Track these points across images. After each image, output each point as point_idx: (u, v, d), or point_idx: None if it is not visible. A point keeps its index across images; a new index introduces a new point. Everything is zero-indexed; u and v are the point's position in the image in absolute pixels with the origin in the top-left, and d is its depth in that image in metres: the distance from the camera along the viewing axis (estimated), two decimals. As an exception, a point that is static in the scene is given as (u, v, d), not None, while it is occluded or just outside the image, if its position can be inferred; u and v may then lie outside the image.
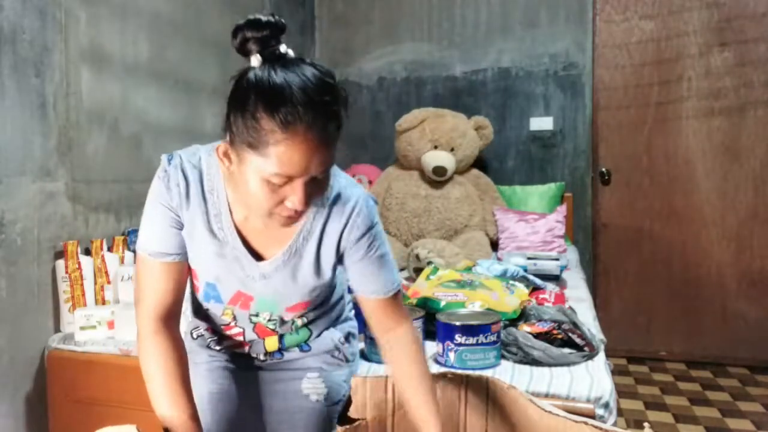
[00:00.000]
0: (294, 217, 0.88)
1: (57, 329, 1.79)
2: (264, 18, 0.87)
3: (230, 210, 0.97)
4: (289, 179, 0.82)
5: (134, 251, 2.00)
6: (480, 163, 3.19)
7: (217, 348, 1.16)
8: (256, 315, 1.08)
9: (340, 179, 1.01)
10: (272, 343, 1.13)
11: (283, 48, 0.85)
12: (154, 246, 0.96)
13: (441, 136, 2.88)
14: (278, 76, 0.80)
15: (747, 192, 3.02)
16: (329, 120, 0.81)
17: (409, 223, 2.84)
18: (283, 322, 1.10)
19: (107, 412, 1.60)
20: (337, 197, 0.99)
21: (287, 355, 1.16)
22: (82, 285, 1.78)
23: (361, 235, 1.00)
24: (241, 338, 1.12)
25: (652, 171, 3.16)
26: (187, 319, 1.21)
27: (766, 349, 3.00)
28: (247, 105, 0.80)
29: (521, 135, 3.34)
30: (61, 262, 1.77)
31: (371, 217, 1.01)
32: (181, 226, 0.97)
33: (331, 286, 1.12)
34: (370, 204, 1.02)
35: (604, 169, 3.22)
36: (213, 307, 1.08)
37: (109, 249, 1.93)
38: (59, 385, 1.67)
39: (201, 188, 0.96)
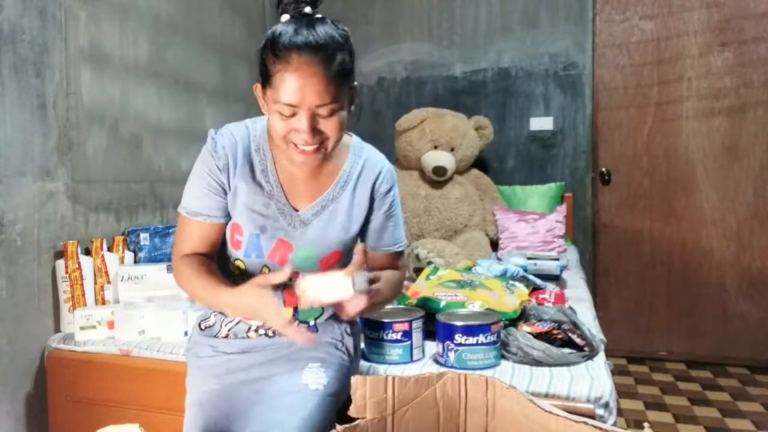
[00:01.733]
0: (310, 154, 1.02)
1: (57, 329, 1.79)
2: None
3: (275, 166, 1.12)
4: (294, 111, 0.97)
5: (134, 251, 2.02)
6: (480, 163, 3.19)
7: (225, 333, 1.18)
8: (290, 279, 1.11)
9: (370, 147, 1.22)
10: (287, 312, 1.15)
11: (308, 9, 1.01)
12: (192, 206, 1.11)
13: (441, 136, 2.88)
14: (289, 26, 0.98)
15: (747, 192, 3.02)
16: (325, 58, 0.95)
17: (409, 223, 2.84)
18: None
19: (107, 412, 1.60)
20: (368, 157, 1.19)
21: (298, 325, 1.17)
22: (82, 285, 1.78)
23: (388, 189, 1.19)
24: None
25: (652, 171, 3.16)
26: (194, 315, 1.24)
27: (766, 349, 3.00)
28: (264, 48, 0.99)
29: (521, 135, 3.34)
30: (61, 262, 1.77)
31: (394, 178, 1.21)
32: (221, 192, 1.10)
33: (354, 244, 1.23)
34: (393, 169, 1.22)
35: (604, 169, 3.22)
36: (252, 265, 1.15)
37: (109, 249, 1.93)
38: (59, 385, 1.67)
39: (248, 149, 1.11)
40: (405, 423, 1.10)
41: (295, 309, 1.16)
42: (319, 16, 1.01)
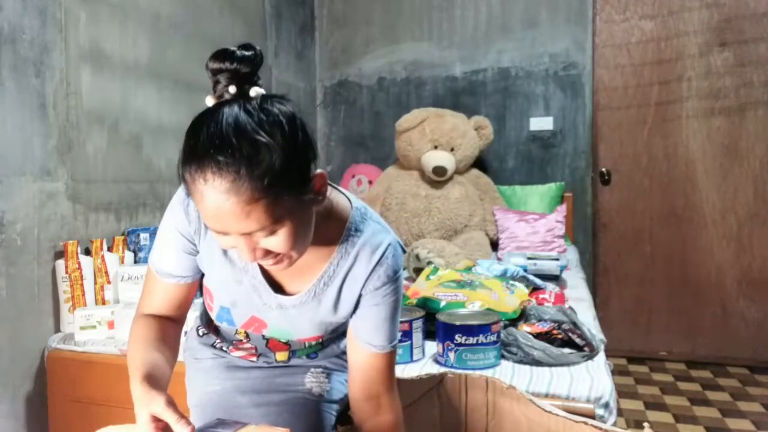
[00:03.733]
0: (272, 265, 0.84)
1: (57, 329, 1.79)
2: (231, 50, 0.77)
3: None
4: (226, 232, 0.76)
5: (134, 251, 2.02)
6: (480, 163, 3.19)
7: (224, 350, 1.16)
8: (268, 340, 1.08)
9: (371, 224, 0.96)
10: (283, 355, 1.13)
11: (232, 89, 0.76)
12: (161, 265, 0.97)
13: (441, 136, 2.88)
14: (198, 121, 0.75)
15: (747, 192, 3.02)
16: (246, 183, 0.70)
17: (409, 223, 2.84)
18: (296, 342, 1.10)
19: (107, 412, 1.60)
20: (364, 246, 0.93)
21: (293, 361, 1.16)
22: (82, 285, 1.78)
23: (382, 284, 0.95)
24: (253, 350, 1.12)
25: (652, 171, 3.16)
26: (193, 315, 1.21)
27: (766, 349, 3.00)
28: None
29: (521, 135, 3.34)
30: (61, 262, 1.77)
31: (396, 267, 0.95)
32: (194, 251, 0.96)
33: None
34: (397, 252, 0.96)
35: (604, 169, 3.22)
36: (226, 328, 1.08)
37: (109, 249, 1.93)
38: (59, 385, 1.67)
39: None
40: (405, 423, 1.10)
41: (293, 353, 1.13)
42: (252, 96, 0.76)
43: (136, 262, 2.00)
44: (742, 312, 3.04)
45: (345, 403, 1.16)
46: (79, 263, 1.77)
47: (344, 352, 1.18)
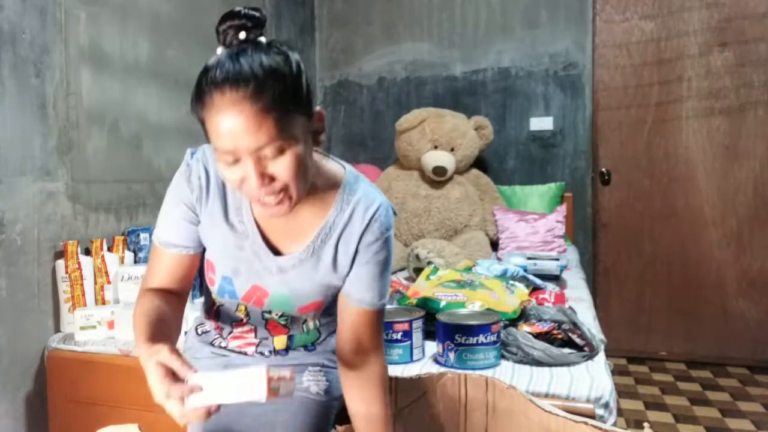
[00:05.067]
0: (271, 205, 0.87)
1: (57, 329, 1.79)
2: (237, 9, 0.86)
3: (250, 204, 0.99)
4: (235, 158, 0.82)
5: (134, 251, 2.02)
6: (480, 163, 3.19)
7: (222, 346, 1.17)
8: (269, 312, 1.08)
9: (364, 185, 1.02)
10: (281, 341, 1.13)
11: (242, 35, 0.84)
12: (165, 236, 1.01)
13: (441, 136, 2.88)
14: (213, 63, 0.83)
15: (747, 192, 3.02)
16: (252, 90, 0.79)
17: (409, 223, 2.84)
18: (294, 320, 1.11)
19: (107, 412, 1.60)
20: (358, 203, 0.99)
21: (291, 354, 1.16)
22: (82, 285, 1.78)
23: (375, 239, 0.99)
24: (251, 335, 1.12)
25: (652, 171, 3.16)
26: (193, 315, 1.21)
27: (766, 349, 3.00)
28: (193, 94, 0.85)
29: (521, 135, 3.34)
30: (61, 262, 1.77)
31: (387, 225, 1.01)
32: (196, 221, 1.00)
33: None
34: (389, 212, 1.02)
35: (604, 169, 3.22)
36: (227, 303, 1.09)
37: (109, 249, 1.93)
38: (59, 385, 1.67)
39: (220, 182, 0.99)
40: (405, 422, 1.10)
41: (291, 337, 1.13)
42: (259, 40, 0.85)
43: (136, 262, 2.00)
44: (742, 312, 3.04)
45: (343, 402, 1.17)
46: (79, 263, 1.77)
47: None
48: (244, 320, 1.11)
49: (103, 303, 1.83)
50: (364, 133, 3.61)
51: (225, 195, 0.99)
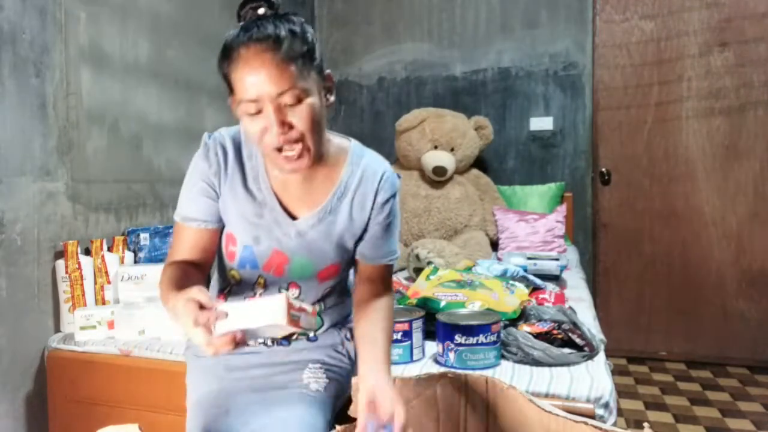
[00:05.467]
0: (292, 159, 0.96)
1: (57, 329, 1.79)
2: None
3: (267, 173, 1.07)
4: (258, 107, 0.92)
5: (134, 251, 2.02)
6: (480, 163, 3.19)
7: None
8: (287, 289, 1.12)
9: (370, 154, 1.14)
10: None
11: (262, 11, 0.97)
12: (185, 212, 1.08)
13: (441, 136, 2.88)
14: (237, 29, 0.95)
15: (747, 192, 3.02)
16: (274, 45, 0.91)
17: (409, 223, 2.84)
18: (307, 301, 1.13)
19: (107, 412, 1.60)
20: (367, 165, 1.10)
21: (293, 345, 1.17)
22: (82, 285, 1.78)
23: (387, 198, 1.10)
24: None
25: (652, 171, 3.16)
26: None
27: (766, 349, 3.00)
28: (219, 59, 0.97)
29: (521, 135, 3.34)
30: (61, 262, 1.77)
31: (395, 187, 1.13)
32: (214, 196, 1.07)
33: (353, 258, 1.18)
34: (395, 177, 1.14)
35: (604, 169, 3.22)
36: (246, 276, 1.12)
37: (109, 249, 1.93)
38: (59, 385, 1.67)
39: (239, 155, 1.07)
40: (405, 422, 1.10)
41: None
42: (276, 13, 0.98)
43: (136, 262, 2.00)
44: (742, 312, 3.04)
45: (343, 400, 1.17)
46: (79, 263, 1.77)
47: (343, 342, 1.21)
48: (259, 293, 1.13)
49: (103, 303, 1.83)
50: (364, 133, 3.61)
51: (243, 167, 1.07)
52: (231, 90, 0.96)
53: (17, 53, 1.67)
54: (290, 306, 0.81)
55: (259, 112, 0.92)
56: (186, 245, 1.08)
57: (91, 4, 1.93)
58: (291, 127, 0.93)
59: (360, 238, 1.13)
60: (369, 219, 1.11)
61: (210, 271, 1.13)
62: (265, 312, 0.81)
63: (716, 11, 3.00)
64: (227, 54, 0.94)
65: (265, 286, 1.12)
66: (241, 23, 0.97)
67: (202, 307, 0.83)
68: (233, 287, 1.15)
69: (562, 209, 2.87)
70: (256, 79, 0.90)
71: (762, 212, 3.00)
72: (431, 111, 3.01)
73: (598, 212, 3.26)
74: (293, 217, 1.08)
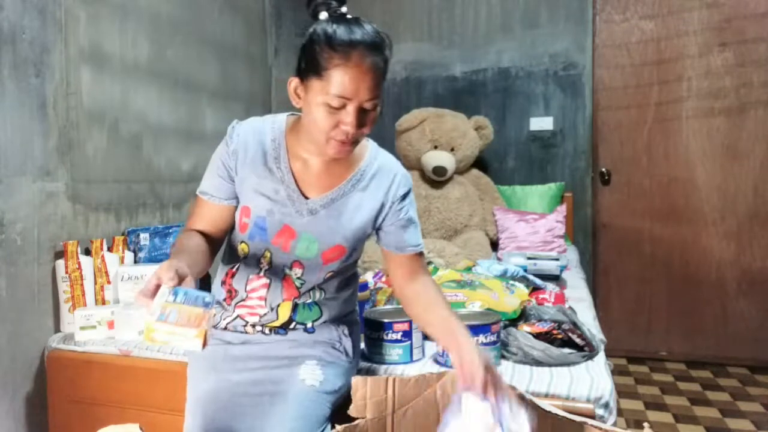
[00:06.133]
0: (346, 144, 1.05)
1: (57, 329, 1.79)
2: None
3: (288, 156, 1.15)
4: (344, 103, 1.01)
5: (134, 251, 2.02)
6: (480, 163, 3.19)
7: (224, 325, 1.18)
8: (290, 268, 1.16)
9: (386, 153, 1.24)
10: (285, 310, 1.17)
11: (344, 9, 1.07)
12: (203, 186, 1.18)
13: (441, 136, 2.88)
14: (339, 24, 1.03)
15: (747, 192, 3.02)
16: (378, 56, 1.02)
17: (409, 223, 2.84)
18: (307, 283, 1.18)
19: (107, 412, 1.60)
20: (384, 161, 1.21)
21: (290, 334, 1.17)
22: (82, 285, 1.78)
23: (405, 193, 1.20)
24: (261, 293, 1.17)
25: (652, 171, 3.16)
26: None
27: (766, 349, 3.00)
28: (315, 44, 1.02)
29: (521, 135, 3.34)
30: (61, 262, 1.77)
31: (410, 183, 1.23)
32: (227, 177, 1.15)
33: (361, 250, 1.25)
34: (408, 175, 1.24)
35: (604, 169, 3.22)
36: (255, 248, 1.17)
37: (109, 249, 1.93)
38: (59, 385, 1.67)
39: (263, 137, 1.16)
40: (405, 423, 1.10)
41: (294, 308, 1.16)
42: (354, 16, 1.07)
43: (136, 262, 2.00)
44: (742, 312, 3.04)
45: (340, 397, 1.17)
46: (79, 263, 1.77)
47: (340, 339, 1.23)
48: (264, 269, 1.17)
49: (103, 303, 1.83)
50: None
51: (264, 146, 1.16)
52: (315, 74, 1.01)
53: (17, 53, 1.67)
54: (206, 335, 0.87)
55: (342, 107, 1.01)
56: (200, 216, 1.17)
57: (91, 4, 1.93)
58: (362, 128, 1.04)
59: (380, 231, 1.21)
60: (389, 213, 1.19)
61: (219, 247, 1.20)
62: (182, 338, 0.86)
63: (716, 11, 3.00)
64: (335, 46, 1.00)
65: (270, 263, 1.17)
66: (330, 18, 1.05)
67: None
68: (240, 265, 1.20)
69: (562, 209, 2.87)
70: (358, 82, 1.00)
71: (762, 212, 3.00)
72: (431, 111, 3.01)
73: (598, 212, 3.26)
74: (307, 198, 1.15)
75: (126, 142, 2.10)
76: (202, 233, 1.15)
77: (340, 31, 1.01)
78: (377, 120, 1.07)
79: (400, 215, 1.19)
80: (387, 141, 3.38)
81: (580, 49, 3.22)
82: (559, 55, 3.25)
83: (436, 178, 2.84)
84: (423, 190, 2.88)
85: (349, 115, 1.01)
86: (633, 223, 3.20)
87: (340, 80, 0.99)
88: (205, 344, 0.86)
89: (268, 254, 1.17)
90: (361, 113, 1.03)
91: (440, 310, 1.12)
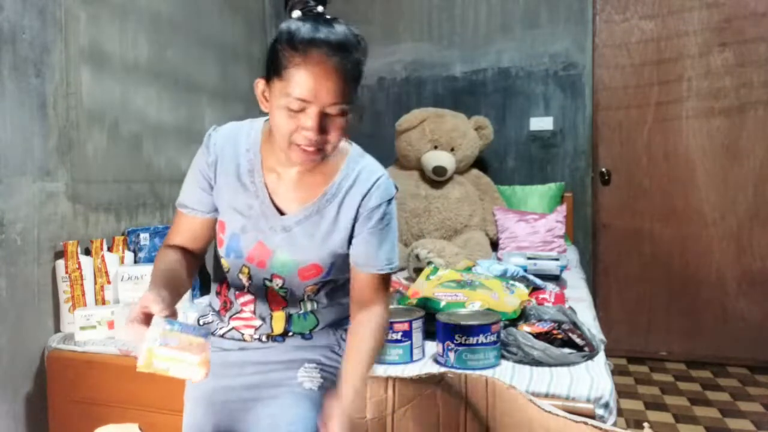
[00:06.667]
0: (310, 152, 0.97)
1: (57, 329, 1.79)
2: None
3: (262, 168, 1.09)
4: (304, 106, 0.94)
5: (134, 251, 2.02)
6: (480, 163, 3.19)
7: (221, 333, 1.18)
8: (270, 279, 1.13)
9: (368, 157, 1.15)
10: (279, 322, 1.15)
11: (320, 8, 1.00)
12: (181, 199, 1.13)
13: (441, 136, 2.88)
14: (306, 23, 0.96)
15: (747, 192, 3.02)
16: (343, 57, 0.94)
17: (409, 223, 2.84)
18: (292, 294, 1.14)
19: (107, 412, 1.60)
20: (362, 170, 1.10)
21: (288, 341, 1.17)
22: (82, 285, 1.78)
23: (377, 205, 1.09)
24: (251, 308, 1.15)
25: (652, 171, 3.16)
26: (193, 315, 1.24)
27: (766, 349, 3.00)
28: (279, 42, 0.96)
29: (521, 135, 3.34)
30: (61, 262, 1.77)
31: (389, 194, 1.11)
32: (207, 188, 1.11)
33: (345, 264, 1.15)
34: (390, 184, 1.12)
35: (604, 169, 3.22)
36: (233, 265, 1.14)
37: (109, 249, 1.93)
38: (59, 385, 1.67)
39: (238, 148, 1.10)
40: (405, 422, 1.10)
41: (289, 318, 1.16)
42: (332, 17, 1.00)
43: (136, 262, 2.00)
44: (742, 312, 3.04)
45: None
46: (79, 263, 1.77)
47: (338, 343, 1.21)
48: (246, 285, 1.15)
49: (103, 303, 1.83)
50: (363, 133, 3.60)
51: (238, 158, 1.10)
52: (277, 75, 0.96)
53: (17, 53, 1.67)
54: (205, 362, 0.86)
55: (302, 110, 0.94)
56: (180, 230, 1.13)
57: (91, 4, 1.93)
58: (324, 134, 0.96)
59: (350, 243, 1.11)
60: (355, 222, 1.09)
61: (201, 260, 1.18)
62: (185, 364, 0.86)
63: (716, 11, 3.00)
64: (296, 44, 0.94)
65: (250, 278, 1.14)
66: (303, 16, 0.98)
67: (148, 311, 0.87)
68: (228, 279, 1.18)
69: (562, 209, 2.87)
70: (317, 83, 0.92)
71: (762, 212, 3.00)
72: (431, 111, 3.01)
73: (598, 212, 3.26)
74: (282, 213, 1.10)
75: (126, 142, 2.10)
76: (183, 248, 1.12)
77: (304, 29, 0.94)
78: (347, 129, 0.99)
79: (368, 227, 1.09)
80: (387, 141, 3.40)
81: (580, 49, 3.22)
82: (559, 55, 3.25)
83: (436, 178, 2.84)
84: (423, 190, 2.88)
85: (309, 119, 0.94)
86: (633, 223, 3.20)
87: (298, 81, 0.92)
88: (207, 374, 0.85)
89: (246, 270, 1.14)
90: (324, 118, 0.95)
91: (353, 357, 1.06)
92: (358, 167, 1.10)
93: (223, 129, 1.12)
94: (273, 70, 0.97)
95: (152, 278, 1.00)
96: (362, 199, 1.08)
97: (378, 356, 1.11)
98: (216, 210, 1.13)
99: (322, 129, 0.95)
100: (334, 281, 1.19)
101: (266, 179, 1.09)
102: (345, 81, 0.94)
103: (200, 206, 1.12)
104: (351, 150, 1.13)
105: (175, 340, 0.84)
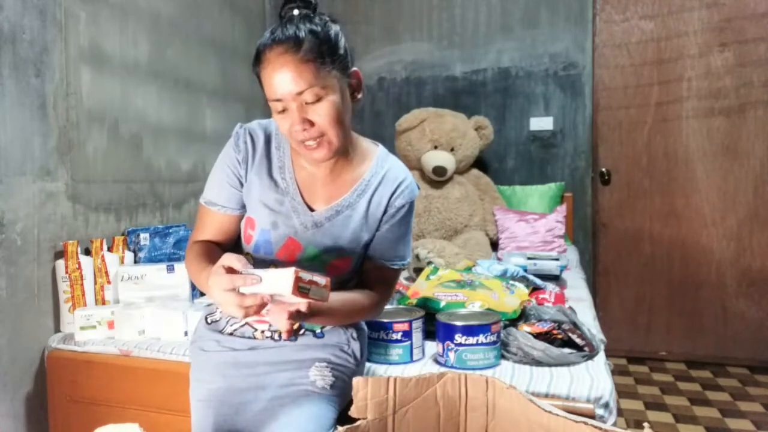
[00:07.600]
0: (313, 149, 1.02)
1: (57, 329, 1.79)
2: None
3: (293, 165, 1.14)
4: (283, 106, 1.00)
5: (134, 251, 2.02)
6: (480, 163, 3.19)
7: (231, 330, 1.17)
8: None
9: (395, 159, 1.20)
10: None
11: (296, 12, 1.02)
12: (209, 196, 1.15)
13: (441, 136, 2.88)
14: (277, 27, 1.01)
15: (747, 192, 3.02)
16: (295, 44, 0.97)
17: (409, 223, 2.84)
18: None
19: (107, 412, 1.60)
20: (390, 169, 1.17)
21: (300, 340, 1.17)
22: (82, 285, 1.78)
23: (404, 203, 1.15)
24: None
25: (652, 171, 3.16)
26: (195, 315, 1.23)
27: (766, 349, 3.00)
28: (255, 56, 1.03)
29: (521, 135, 3.34)
30: (61, 262, 1.77)
31: (414, 195, 1.18)
32: (237, 184, 1.13)
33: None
34: (415, 186, 1.19)
35: (604, 169, 3.22)
36: (261, 259, 1.15)
37: (109, 249, 1.93)
38: (59, 385, 1.67)
39: (268, 145, 1.14)
40: (405, 423, 1.10)
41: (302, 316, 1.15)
42: (307, 14, 1.03)
43: (136, 262, 2.00)
44: (742, 312, 3.04)
45: (348, 399, 1.17)
46: (79, 263, 1.77)
47: (349, 342, 1.21)
48: (274, 266, 1.13)
49: (103, 303, 1.83)
50: (364, 133, 3.56)
51: (270, 155, 1.14)
52: (260, 85, 1.03)
53: (17, 53, 1.67)
54: (299, 279, 0.86)
55: (285, 110, 1.00)
56: (208, 227, 1.15)
57: (91, 4, 1.93)
58: (312, 123, 1.00)
59: (372, 237, 1.16)
60: (381, 219, 1.15)
61: (229, 249, 1.18)
62: (273, 283, 0.88)
63: (716, 11, 3.00)
64: (257, 55, 1.01)
65: None
66: (279, 21, 1.03)
67: (232, 272, 0.91)
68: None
69: (562, 209, 2.87)
70: (278, 79, 0.97)
71: (762, 212, 3.00)
72: (431, 111, 3.01)
73: (598, 212, 3.26)
74: (311, 209, 1.13)
75: (126, 142, 2.10)
76: (213, 243, 1.14)
77: (263, 38, 1.01)
78: (342, 112, 1.02)
79: (390, 223, 1.15)
80: (387, 141, 3.39)
81: (580, 49, 3.22)
82: (559, 55, 3.25)
83: (436, 178, 2.84)
84: (423, 190, 2.88)
85: (290, 115, 1.00)
86: (633, 223, 3.20)
87: (267, 84, 1.00)
88: (294, 290, 0.85)
89: (272, 266, 1.13)
90: (307, 108, 0.99)
91: (341, 293, 1.10)
92: (387, 165, 1.17)
93: (251, 126, 1.15)
94: (259, 83, 1.03)
95: (197, 264, 1.05)
96: (390, 197, 1.14)
97: (352, 319, 1.17)
98: (244, 207, 1.15)
99: (306, 120, 1.00)
100: (351, 279, 1.20)
101: (297, 176, 1.14)
102: (302, 66, 0.97)
103: (229, 203, 1.14)
104: (378, 150, 1.20)
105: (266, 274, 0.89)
